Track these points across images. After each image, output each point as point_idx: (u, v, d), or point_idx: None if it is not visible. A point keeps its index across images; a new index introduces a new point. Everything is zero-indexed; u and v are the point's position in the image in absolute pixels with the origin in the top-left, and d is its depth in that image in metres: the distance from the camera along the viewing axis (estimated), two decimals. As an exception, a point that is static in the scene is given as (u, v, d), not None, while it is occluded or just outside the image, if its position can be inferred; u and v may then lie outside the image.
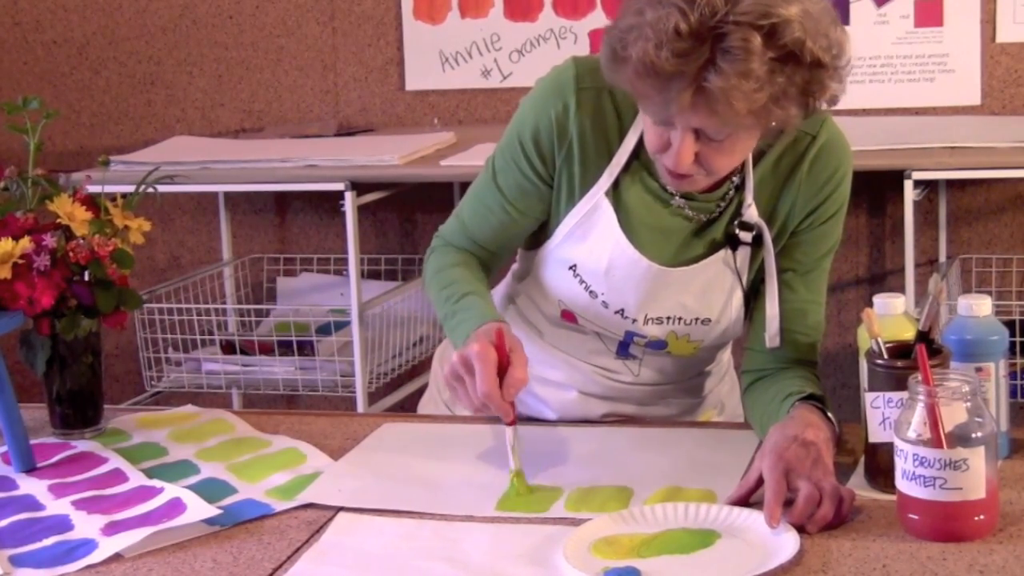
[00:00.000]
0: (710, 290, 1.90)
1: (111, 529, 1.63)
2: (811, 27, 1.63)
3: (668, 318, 1.91)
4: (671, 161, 1.73)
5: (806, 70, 1.64)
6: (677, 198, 1.87)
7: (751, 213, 1.86)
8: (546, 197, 1.91)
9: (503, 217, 1.94)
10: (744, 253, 1.89)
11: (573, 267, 1.91)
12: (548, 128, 1.86)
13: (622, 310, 1.91)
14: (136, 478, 1.80)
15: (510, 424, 1.72)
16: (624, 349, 1.98)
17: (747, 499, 1.61)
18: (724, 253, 1.89)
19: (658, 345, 1.95)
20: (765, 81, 1.61)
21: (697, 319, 1.92)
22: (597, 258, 1.88)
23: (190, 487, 1.74)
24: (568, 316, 1.96)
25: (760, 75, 1.60)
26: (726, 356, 2.15)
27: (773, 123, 1.69)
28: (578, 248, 1.90)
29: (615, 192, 1.87)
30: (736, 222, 1.87)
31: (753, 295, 1.92)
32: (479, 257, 1.99)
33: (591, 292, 1.91)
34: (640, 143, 1.84)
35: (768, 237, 1.87)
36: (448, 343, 2.03)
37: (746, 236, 1.87)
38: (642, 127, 1.83)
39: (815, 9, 1.64)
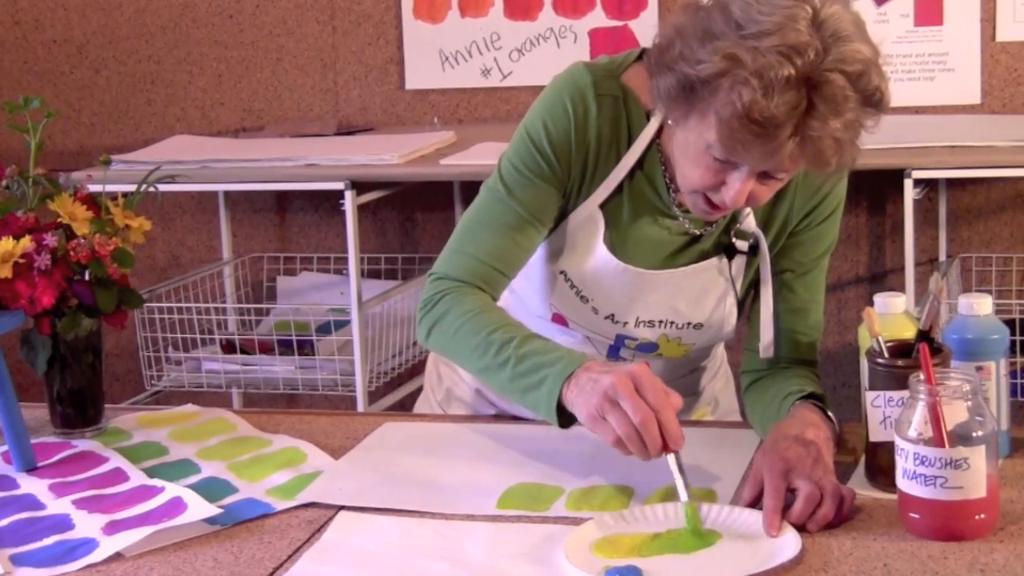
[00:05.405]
0: (704, 296, 1.89)
1: (112, 528, 1.63)
2: (880, 69, 1.65)
3: (660, 321, 1.91)
4: (729, 199, 1.70)
5: (874, 110, 1.66)
6: (681, 216, 1.86)
7: (749, 222, 1.86)
8: (558, 203, 1.86)
9: (524, 233, 1.84)
10: (740, 261, 1.89)
11: (564, 272, 1.90)
12: (567, 133, 1.82)
13: (612, 315, 1.91)
14: (137, 477, 1.80)
15: (675, 450, 1.60)
16: (615, 352, 1.97)
17: (758, 499, 1.60)
18: (719, 261, 1.88)
19: (649, 348, 1.95)
20: (852, 125, 1.64)
21: (689, 323, 1.91)
22: (584, 267, 1.88)
23: (191, 486, 1.74)
24: (558, 319, 1.95)
25: (850, 120, 1.62)
26: (719, 351, 2.14)
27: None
28: (569, 256, 1.89)
29: (613, 203, 1.86)
30: (733, 231, 1.87)
31: (750, 297, 1.92)
32: (493, 284, 1.86)
33: (582, 297, 1.90)
34: (645, 155, 1.83)
35: (764, 246, 1.87)
36: None
37: (742, 245, 1.87)
38: (648, 140, 1.81)
39: (874, 46, 1.66)
